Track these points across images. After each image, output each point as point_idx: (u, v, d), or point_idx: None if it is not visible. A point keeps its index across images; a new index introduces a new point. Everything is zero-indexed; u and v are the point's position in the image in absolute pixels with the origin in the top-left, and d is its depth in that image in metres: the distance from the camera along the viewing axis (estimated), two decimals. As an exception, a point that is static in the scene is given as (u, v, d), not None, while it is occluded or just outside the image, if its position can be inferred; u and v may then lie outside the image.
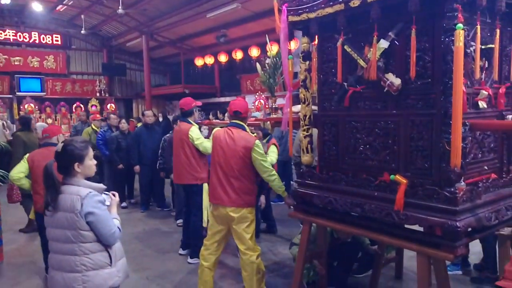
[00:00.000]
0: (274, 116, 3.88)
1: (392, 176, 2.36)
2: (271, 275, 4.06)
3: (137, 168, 6.78)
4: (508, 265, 1.98)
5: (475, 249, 4.07)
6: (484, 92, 2.35)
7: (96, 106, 15.12)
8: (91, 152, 2.34)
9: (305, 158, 2.99)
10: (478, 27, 2.25)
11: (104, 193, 2.36)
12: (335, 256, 3.60)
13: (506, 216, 2.33)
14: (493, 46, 2.38)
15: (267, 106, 8.11)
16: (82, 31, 13.64)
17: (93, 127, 7.82)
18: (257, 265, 3.30)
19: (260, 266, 3.33)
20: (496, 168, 2.56)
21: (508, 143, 2.66)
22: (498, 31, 2.40)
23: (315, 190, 2.86)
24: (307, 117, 2.95)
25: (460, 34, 2.00)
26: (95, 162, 2.37)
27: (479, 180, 2.34)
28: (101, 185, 2.35)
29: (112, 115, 7.74)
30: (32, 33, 14.80)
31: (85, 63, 16.31)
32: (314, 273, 3.56)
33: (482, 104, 2.36)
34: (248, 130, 3.42)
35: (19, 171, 3.73)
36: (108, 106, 15.31)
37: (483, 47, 2.32)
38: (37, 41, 14.93)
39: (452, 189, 2.11)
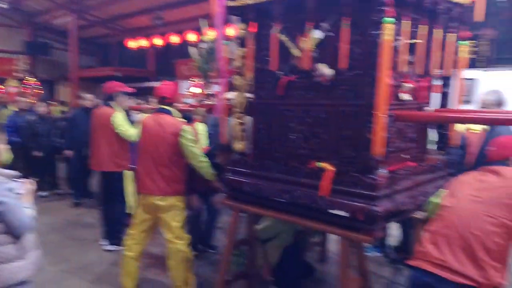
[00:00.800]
0: (209, 102, 3.81)
1: (319, 163, 2.42)
2: (201, 263, 4.01)
3: (69, 153, 6.27)
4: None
5: (395, 232, 4.36)
6: (408, 85, 2.47)
7: (15, 87, 13.81)
8: (2, 136, 2.14)
9: (238, 145, 2.96)
10: (406, 22, 2.36)
11: (15, 180, 2.15)
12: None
13: (421, 201, 2.50)
14: (418, 41, 2.51)
15: (202, 92, 7.97)
16: (2, 5, 12.25)
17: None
18: (185, 254, 3.23)
19: (188, 255, 3.26)
20: (415, 157, 2.73)
21: (426, 133, 2.86)
22: (423, 27, 2.53)
23: (246, 177, 2.84)
24: (241, 104, 2.91)
25: (388, 27, 2.08)
26: (7, 146, 2.17)
27: (399, 167, 2.47)
28: (11, 172, 2.14)
29: (20, 98, 7.09)
30: None
31: (3, 40, 14.81)
32: (242, 260, 3.56)
33: (405, 96, 2.49)
34: (176, 115, 3.30)
35: None
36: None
37: (409, 41, 2.43)
38: None
39: (373, 176, 2.21)
